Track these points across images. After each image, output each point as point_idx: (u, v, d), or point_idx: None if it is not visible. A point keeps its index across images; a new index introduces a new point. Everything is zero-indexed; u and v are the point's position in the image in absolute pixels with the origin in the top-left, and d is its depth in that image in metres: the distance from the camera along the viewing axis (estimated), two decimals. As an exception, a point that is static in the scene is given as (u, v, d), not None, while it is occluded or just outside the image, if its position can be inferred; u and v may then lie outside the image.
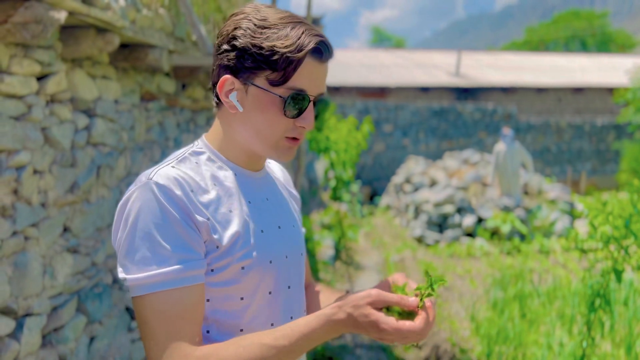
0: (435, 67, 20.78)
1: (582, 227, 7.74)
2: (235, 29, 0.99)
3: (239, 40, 0.98)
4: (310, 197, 10.44)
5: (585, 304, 2.95)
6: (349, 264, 6.96)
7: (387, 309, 0.91)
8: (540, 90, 19.62)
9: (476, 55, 23.79)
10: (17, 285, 2.24)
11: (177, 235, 0.92)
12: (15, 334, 2.24)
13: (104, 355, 2.90)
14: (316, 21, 15.38)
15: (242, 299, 1.00)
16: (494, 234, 7.81)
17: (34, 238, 2.37)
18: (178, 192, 0.94)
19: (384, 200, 12.15)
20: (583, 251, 2.97)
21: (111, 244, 3.01)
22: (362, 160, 15.00)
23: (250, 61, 0.97)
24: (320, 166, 11.52)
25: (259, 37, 0.96)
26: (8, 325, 2.18)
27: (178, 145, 4.01)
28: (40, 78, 2.42)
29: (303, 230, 1.21)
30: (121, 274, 0.93)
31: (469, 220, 7.99)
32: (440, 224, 8.35)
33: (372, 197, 14.86)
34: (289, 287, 1.08)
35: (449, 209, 8.25)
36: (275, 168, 1.25)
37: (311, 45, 0.96)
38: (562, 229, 7.72)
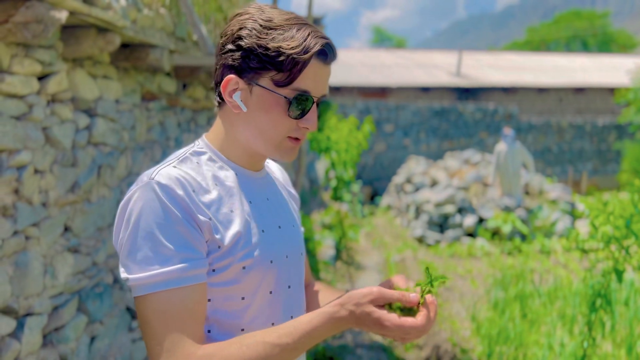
0: (436, 67, 20.77)
1: (583, 227, 7.73)
2: (241, 29, 0.99)
3: (245, 40, 0.98)
4: (311, 197, 10.44)
5: (586, 304, 2.94)
6: (350, 264, 6.96)
7: (390, 306, 0.92)
8: (542, 90, 19.60)
9: (477, 55, 23.78)
10: (18, 284, 2.24)
11: (180, 234, 0.92)
12: (16, 334, 2.24)
13: (104, 355, 2.90)
14: (317, 21, 15.38)
15: (243, 298, 1.00)
16: (495, 234, 7.80)
17: (35, 238, 2.37)
18: (180, 192, 0.94)
19: (385, 200, 12.15)
20: (584, 251, 2.96)
21: (112, 243, 3.01)
22: (363, 160, 15.00)
23: (256, 61, 0.97)
24: (321, 166, 11.52)
25: (264, 38, 0.97)
26: (9, 324, 2.18)
27: (179, 145, 4.02)
28: (41, 78, 2.42)
29: (302, 229, 1.21)
30: (123, 274, 0.93)
31: (469, 221, 7.98)
32: (441, 224, 8.35)
33: (373, 197, 14.86)
34: (289, 287, 1.08)
35: (449, 209, 8.25)
36: (274, 168, 1.25)
37: (317, 47, 0.97)
38: (563, 229, 7.72)
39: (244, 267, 0.98)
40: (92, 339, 2.83)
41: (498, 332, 3.86)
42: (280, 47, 0.96)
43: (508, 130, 8.42)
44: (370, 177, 15.34)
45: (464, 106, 16.20)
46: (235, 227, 0.98)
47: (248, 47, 0.98)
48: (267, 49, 0.96)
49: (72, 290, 2.66)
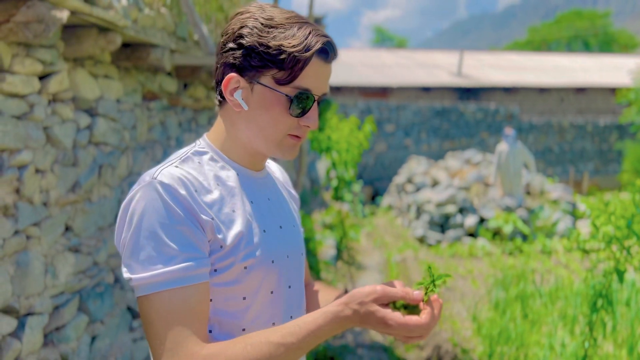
0: (437, 67, 20.76)
1: (584, 227, 7.73)
2: (242, 27, 0.99)
3: (246, 38, 0.98)
4: (311, 197, 10.44)
5: (588, 305, 2.94)
6: (351, 264, 6.96)
7: (394, 304, 0.91)
8: (543, 90, 19.59)
9: (478, 55, 23.77)
10: (19, 284, 2.24)
11: (182, 234, 0.92)
12: (17, 333, 2.24)
13: (105, 355, 2.90)
14: (318, 21, 15.38)
15: (244, 298, 1.00)
16: (496, 234, 7.80)
17: (36, 237, 2.38)
18: (182, 191, 0.94)
19: (386, 200, 12.15)
20: (585, 251, 2.96)
21: (113, 243, 3.02)
22: (364, 160, 15.00)
23: (257, 60, 0.98)
24: (322, 166, 11.52)
25: (266, 36, 0.97)
26: (10, 324, 2.18)
27: (180, 144, 4.02)
28: (42, 77, 2.42)
29: (302, 230, 1.22)
30: (126, 274, 0.93)
31: (470, 221, 7.98)
32: (442, 224, 8.35)
33: (374, 197, 14.86)
34: (289, 287, 1.08)
35: (450, 209, 8.25)
36: (274, 168, 1.26)
37: (318, 46, 0.97)
38: (564, 229, 7.71)
39: (245, 267, 0.98)
40: (93, 338, 2.83)
41: (499, 332, 3.85)
42: (281, 45, 0.96)
43: (509, 130, 8.42)
44: (371, 177, 15.33)
45: (465, 106, 16.19)
46: (237, 227, 0.98)
47: (249, 45, 0.98)
48: (268, 47, 0.96)
49: (73, 290, 2.66)
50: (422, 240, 8.25)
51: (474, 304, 4.66)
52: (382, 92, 18.36)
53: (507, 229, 7.46)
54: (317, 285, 1.26)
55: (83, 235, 2.77)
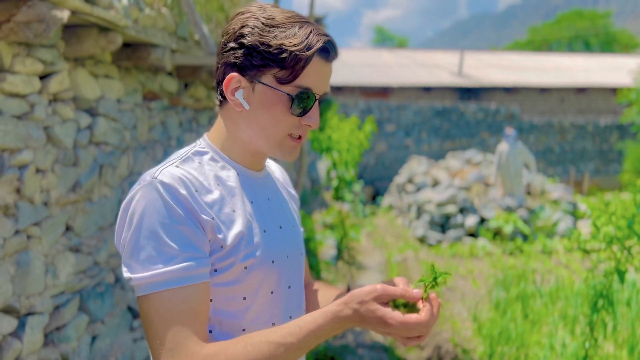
0: (437, 67, 20.76)
1: (584, 227, 7.72)
2: (243, 27, 0.99)
3: (247, 38, 0.98)
4: (312, 197, 10.44)
5: (588, 305, 2.94)
6: (351, 263, 6.96)
7: (394, 304, 0.91)
8: (543, 90, 19.59)
9: (479, 55, 23.77)
10: (19, 284, 2.24)
11: (183, 234, 0.92)
12: (17, 333, 2.24)
13: (105, 355, 2.90)
14: (319, 21, 15.38)
15: (244, 299, 1.00)
16: (497, 234, 7.79)
17: (37, 237, 2.38)
18: (183, 191, 0.94)
19: (386, 200, 12.14)
20: (586, 252, 2.96)
21: (113, 243, 3.02)
22: (365, 160, 15.00)
23: (259, 59, 0.98)
24: (323, 166, 11.52)
25: (267, 36, 0.97)
26: (10, 324, 2.18)
27: (180, 144, 4.02)
28: (43, 77, 2.42)
29: (302, 230, 1.22)
30: (126, 274, 0.93)
31: (471, 221, 7.97)
32: (443, 224, 8.34)
33: (375, 197, 14.86)
34: (289, 287, 1.08)
35: (451, 209, 8.24)
36: (274, 168, 1.26)
37: (319, 45, 0.97)
38: (564, 229, 7.70)
39: (245, 267, 0.98)
40: (94, 338, 2.83)
41: (499, 332, 3.85)
42: (282, 44, 0.96)
43: (510, 130, 8.41)
44: (371, 177, 15.33)
45: (466, 106, 16.18)
46: (237, 227, 0.98)
47: (250, 44, 0.98)
48: (269, 46, 0.97)
49: (73, 290, 2.66)
50: (422, 240, 8.25)
51: (475, 304, 4.66)
52: (383, 92, 18.36)
53: (508, 229, 7.46)
54: (317, 285, 1.26)
55: (84, 235, 2.77)
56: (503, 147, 8.36)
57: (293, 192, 1.27)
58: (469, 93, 18.85)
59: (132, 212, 0.94)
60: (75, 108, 2.69)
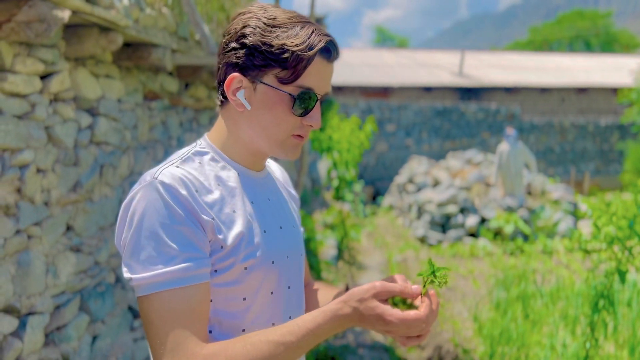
0: (438, 67, 20.76)
1: (585, 227, 7.72)
2: (244, 27, 0.99)
3: (249, 38, 0.98)
4: (313, 197, 10.44)
5: (589, 305, 2.94)
6: (352, 263, 6.96)
7: (393, 302, 0.91)
8: (544, 90, 19.58)
9: (479, 55, 23.76)
10: (20, 283, 2.24)
11: (183, 234, 0.92)
12: (18, 333, 2.24)
13: (106, 354, 2.90)
14: (319, 21, 15.38)
15: (244, 299, 1.00)
16: (497, 234, 7.79)
17: (37, 237, 2.38)
18: (183, 191, 0.94)
19: (387, 200, 12.14)
20: (586, 252, 2.96)
21: (114, 243, 3.02)
22: (365, 160, 15.00)
23: (260, 59, 0.98)
24: (323, 166, 11.52)
25: (268, 36, 0.97)
26: (11, 323, 2.18)
27: (181, 144, 4.02)
28: (44, 77, 2.42)
29: (302, 230, 1.22)
30: (126, 274, 0.93)
31: (472, 221, 7.97)
32: (443, 224, 8.34)
33: (375, 197, 14.85)
34: (289, 287, 1.08)
35: (452, 209, 8.24)
36: (274, 168, 1.25)
37: (321, 45, 0.97)
38: (565, 229, 7.70)
39: (245, 268, 0.98)
40: (94, 338, 2.83)
41: (500, 332, 3.85)
42: (284, 44, 0.96)
43: (510, 131, 8.41)
44: (372, 177, 15.33)
45: (466, 106, 16.18)
46: (237, 228, 0.98)
47: (252, 44, 0.98)
48: (271, 46, 0.97)
49: (74, 290, 2.66)
50: (423, 240, 8.24)
51: (475, 304, 4.66)
52: (383, 92, 18.36)
53: (508, 229, 7.45)
54: (317, 285, 1.26)
55: (84, 234, 2.77)
56: (504, 147, 8.35)
57: (293, 192, 1.27)
58: (469, 93, 18.85)
59: (132, 212, 0.94)
60: (76, 108, 2.69)
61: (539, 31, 42.17)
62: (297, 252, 1.12)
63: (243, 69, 1.00)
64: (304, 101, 0.99)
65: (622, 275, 2.62)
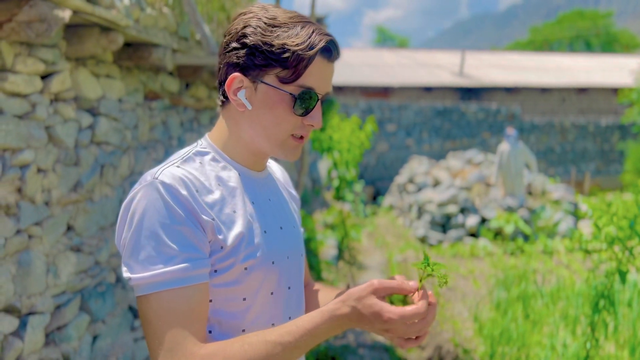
0: (438, 67, 20.75)
1: (586, 227, 7.72)
2: (245, 27, 0.99)
3: (249, 38, 0.98)
4: (313, 197, 10.45)
5: (589, 305, 2.94)
6: (352, 263, 6.96)
7: (390, 301, 0.91)
8: (544, 91, 19.57)
9: (480, 55, 23.75)
10: (20, 283, 2.24)
11: (183, 234, 0.92)
12: (18, 332, 2.24)
13: (106, 354, 2.90)
14: (320, 20, 15.38)
15: (244, 299, 1.00)
16: (498, 234, 7.79)
17: (38, 237, 2.38)
18: (184, 191, 0.94)
19: (387, 200, 12.14)
20: (587, 252, 2.96)
21: (114, 242, 3.02)
22: (365, 160, 15.00)
23: (261, 59, 0.98)
24: (324, 166, 11.52)
25: (269, 35, 0.97)
26: (12, 323, 2.19)
27: (181, 144, 4.02)
28: (45, 77, 2.42)
29: (302, 230, 1.22)
30: (126, 274, 0.93)
31: (472, 221, 7.97)
32: (444, 224, 8.34)
33: (375, 197, 14.85)
34: (289, 288, 1.08)
35: (452, 209, 8.24)
36: (275, 168, 1.25)
37: (322, 44, 0.97)
38: (566, 229, 7.70)
39: (245, 268, 0.98)
40: (95, 338, 2.83)
41: (500, 332, 3.85)
42: (285, 44, 0.96)
43: (511, 131, 8.41)
44: (372, 177, 15.33)
45: (467, 106, 16.18)
46: (237, 228, 0.98)
47: (253, 44, 0.98)
48: (272, 45, 0.97)
49: (74, 290, 2.66)
50: (423, 240, 8.24)
51: (476, 304, 4.66)
52: (384, 91, 18.35)
53: (509, 229, 7.45)
54: (318, 286, 1.26)
55: (85, 234, 2.77)
56: (504, 147, 8.35)
57: (294, 192, 1.27)
58: (469, 93, 18.84)
59: (132, 212, 0.94)
60: (77, 108, 2.69)
61: (540, 31, 42.17)
62: (297, 252, 1.12)
63: (244, 69, 1.00)
64: (304, 101, 0.99)
65: (623, 275, 2.62)
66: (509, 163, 8.20)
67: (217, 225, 0.96)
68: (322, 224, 8.01)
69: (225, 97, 1.05)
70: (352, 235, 7.72)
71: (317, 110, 1.02)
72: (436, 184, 9.52)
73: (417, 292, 0.92)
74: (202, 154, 1.06)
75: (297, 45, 0.96)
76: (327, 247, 6.84)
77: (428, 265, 0.93)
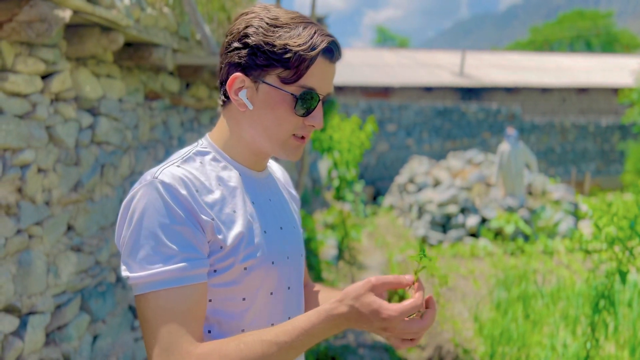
0: (439, 67, 20.75)
1: (586, 228, 7.72)
2: (247, 27, 1.00)
3: (251, 38, 0.98)
4: (313, 197, 10.45)
5: (590, 305, 2.94)
6: (352, 263, 6.96)
7: (388, 300, 0.91)
8: (545, 91, 19.57)
9: (480, 55, 23.75)
10: (21, 283, 2.24)
11: (181, 234, 0.92)
12: (19, 332, 2.24)
13: (107, 354, 2.91)
14: (320, 20, 15.38)
15: (243, 299, 1.00)
16: (498, 234, 7.79)
17: (38, 236, 2.38)
18: (183, 191, 0.94)
19: (388, 200, 12.14)
20: (587, 252, 2.95)
21: (115, 242, 3.02)
22: (366, 160, 15.00)
23: (263, 59, 0.98)
24: (324, 166, 11.52)
25: (271, 35, 0.98)
26: (12, 323, 2.19)
27: (182, 144, 4.02)
28: (45, 77, 2.42)
29: (302, 231, 1.21)
30: (124, 272, 0.93)
31: (472, 221, 7.97)
32: (444, 224, 8.34)
33: (376, 197, 14.85)
34: (289, 288, 1.08)
35: (452, 209, 8.24)
36: (275, 168, 1.25)
37: (323, 45, 0.97)
38: (566, 229, 7.70)
39: (245, 268, 0.98)
40: (95, 337, 2.83)
41: (500, 332, 3.85)
42: (287, 44, 0.96)
43: (511, 131, 8.41)
44: (372, 177, 15.33)
45: (467, 106, 16.17)
46: (237, 228, 0.98)
47: (255, 44, 0.98)
48: (273, 45, 0.97)
49: (75, 289, 2.66)
50: (423, 240, 8.24)
51: (476, 304, 4.66)
52: (384, 91, 18.35)
53: (509, 229, 7.45)
54: (318, 287, 1.26)
55: (85, 234, 2.78)
56: (504, 147, 8.35)
57: (294, 192, 1.27)
58: (470, 93, 18.84)
59: (132, 211, 0.94)
60: (77, 108, 2.69)
61: (540, 31, 42.16)
62: (297, 252, 1.12)
63: (245, 69, 1.00)
64: (306, 101, 0.99)
65: (623, 275, 2.62)
66: (509, 163, 8.20)
67: (216, 225, 0.96)
68: (322, 224, 8.01)
69: (227, 97, 1.05)
70: (352, 235, 7.72)
71: (319, 110, 1.02)
72: (436, 184, 9.52)
73: (414, 285, 0.92)
74: (202, 153, 1.06)
75: (299, 45, 0.96)
76: (327, 247, 6.84)
77: (423, 252, 0.93)
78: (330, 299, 0.94)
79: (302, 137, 1.05)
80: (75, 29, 2.54)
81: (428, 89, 18.60)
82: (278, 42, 0.97)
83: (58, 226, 2.52)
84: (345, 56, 20.19)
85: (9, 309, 2.20)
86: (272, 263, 1.02)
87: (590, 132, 17.22)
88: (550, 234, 7.73)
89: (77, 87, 2.67)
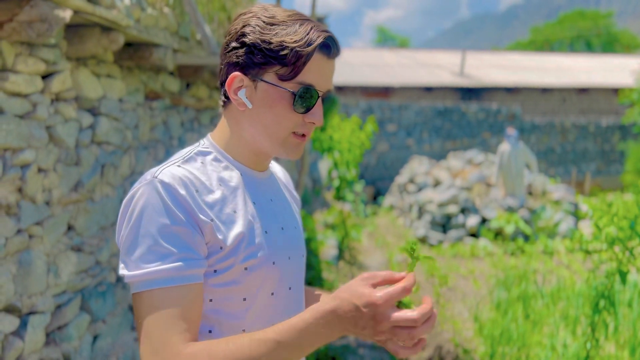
0: (439, 67, 20.74)
1: (586, 228, 7.72)
2: (244, 26, 1.00)
3: (248, 36, 0.99)
4: (313, 197, 10.45)
5: (590, 305, 2.94)
6: (353, 263, 6.96)
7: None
8: (545, 91, 19.56)
9: (480, 55, 23.74)
10: (21, 283, 2.25)
11: (179, 234, 0.92)
12: (19, 332, 2.24)
13: (107, 354, 2.91)
14: (320, 20, 15.38)
15: (244, 299, 1.00)
16: (498, 234, 7.79)
17: (38, 236, 2.38)
18: (182, 191, 0.94)
19: (388, 200, 12.14)
20: (587, 252, 2.96)
21: (115, 242, 3.02)
22: (366, 160, 15.00)
23: (260, 57, 0.98)
24: (324, 166, 11.52)
25: (267, 33, 0.98)
26: (12, 323, 2.19)
27: (182, 144, 4.02)
28: (45, 76, 2.42)
29: (302, 231, 1.22)
30: (122, 270, 0.93)
31: (472, 221, 7.97)
32: (444, 224, 8.34)
33: (376, 197, 14.85)
34: (290, 288, 1.08)
35: (452, 209, 8.24)
36: (276, 169, 1.26)
37: (320, 40, 0.97)
38: (566, 229, 7.70)
39: (246, 268, 0.98)
40: (95, 337, 2.83)
41: (500, 332, 3.85)
42: (283, 41, 0.97)
43: (511, 131, 8.41)
44: (373, 177, 15.33)
45: (467, 106, 16.17)
46: (238, 228, 0.98)
47: (251, 42, 0.98)
48: (270, 43, 0.97)
49: (75, 289, 2.66)
50: (423, 240, 8.24)
51: (476, 305, 4.66)
52: (384, 91, 18.35)
53: (509, 230, 7.45)
54: (319, 291, 1.26)
55: (85, 234, 2.78)
56: (504, 147, 8.35)
57: (295, 193, 1.27)
58: (470, 93, 18.84)
59: (131, 210, 0.94)
60: (78, 107, 2.69)
61: (540, 31, 42.16)
62: (298, 253, 1.12)
63: (244, 68, 1.00)
64: (304, 98, 0.99)
65: (623, 275, 2.62)
66: (509, 163, 8.20)
67: (216, 225, 0.96)
68: (323, 224, 8.01)
69: (227, 98, 1.06)
70: (353, 235, 7.72)
71: (318, 107, 1.02)
72: (436, 184, 9.52)
73: (407, 276, 0.90)
74: (204, 153, 1.06)
75: (295, 42, 0.96)
76: (328, 247, 6.84)
77: (413, 248, 0.93)
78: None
79: (303, 135, 1.05)
80: (75, 29, 2.54)
81: (428, 89, 18.60)
82: (274, 40, 0.97)
83: (58, 226, 2.53)
84: (346, 56, 20.20)
85: (9, 309, 2.20)
86: (273, 263, 1.02)
87: (590, 132, 17.22)
88: (550, 234, 7.73)
89: (78, 87, 2.67)
